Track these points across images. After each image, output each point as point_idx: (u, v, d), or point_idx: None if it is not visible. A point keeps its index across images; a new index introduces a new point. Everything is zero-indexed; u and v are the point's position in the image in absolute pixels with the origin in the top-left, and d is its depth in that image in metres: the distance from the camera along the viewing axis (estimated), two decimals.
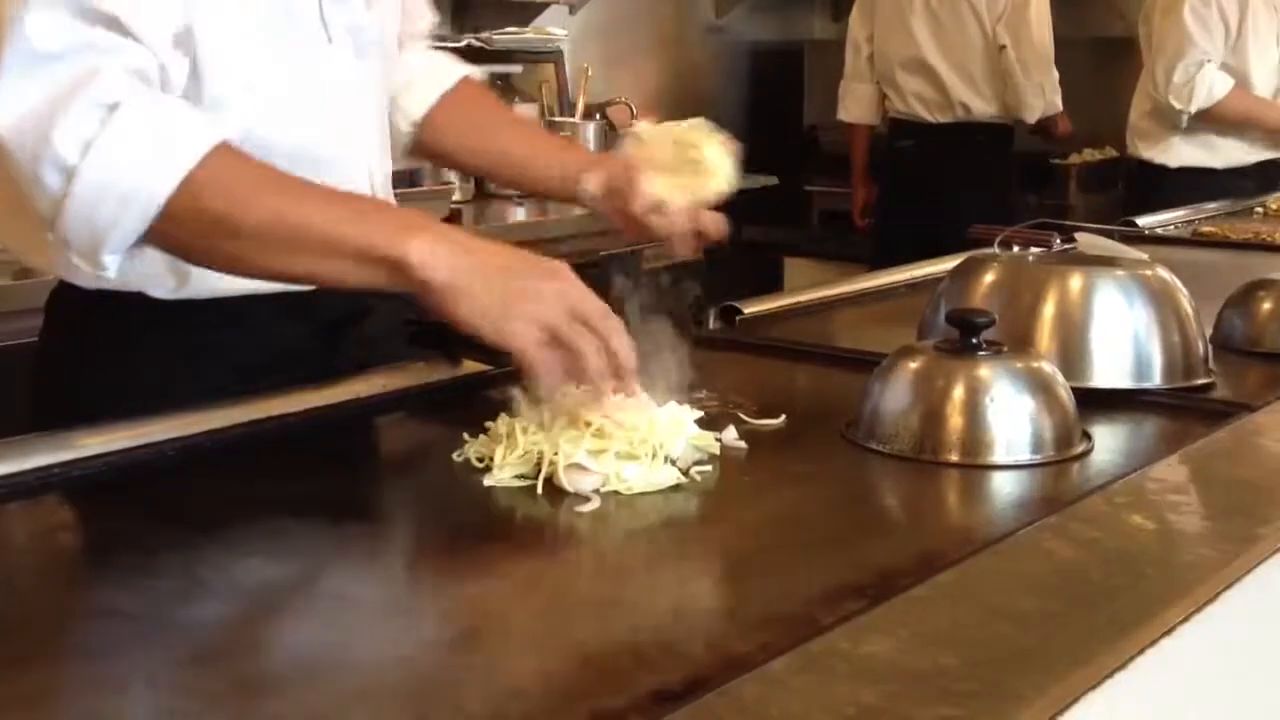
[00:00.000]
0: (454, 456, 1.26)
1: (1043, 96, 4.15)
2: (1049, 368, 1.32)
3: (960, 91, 4.19)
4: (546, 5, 4.24)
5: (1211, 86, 3.98)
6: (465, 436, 1.28)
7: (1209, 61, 3.98)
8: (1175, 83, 3.98)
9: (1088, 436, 1.33)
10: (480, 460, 1.24)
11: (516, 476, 1.20)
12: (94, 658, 0.90)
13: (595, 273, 1.31)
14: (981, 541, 1.06)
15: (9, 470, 1.18)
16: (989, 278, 1.59)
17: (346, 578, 1.07)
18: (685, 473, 1.22)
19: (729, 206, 1.65)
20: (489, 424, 1.28)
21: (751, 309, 1.88)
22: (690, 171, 1.66)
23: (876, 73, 4.37)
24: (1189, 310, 1.56)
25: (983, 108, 4.21)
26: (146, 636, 0.93)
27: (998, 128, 4.26)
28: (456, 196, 3.56)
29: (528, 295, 1.18)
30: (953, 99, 4.20)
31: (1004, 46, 4.12)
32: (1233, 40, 4.02)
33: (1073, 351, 1.49)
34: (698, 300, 1.62)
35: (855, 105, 4.44)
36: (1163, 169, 4.13)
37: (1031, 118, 4.20)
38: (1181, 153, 4.11)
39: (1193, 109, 4.00)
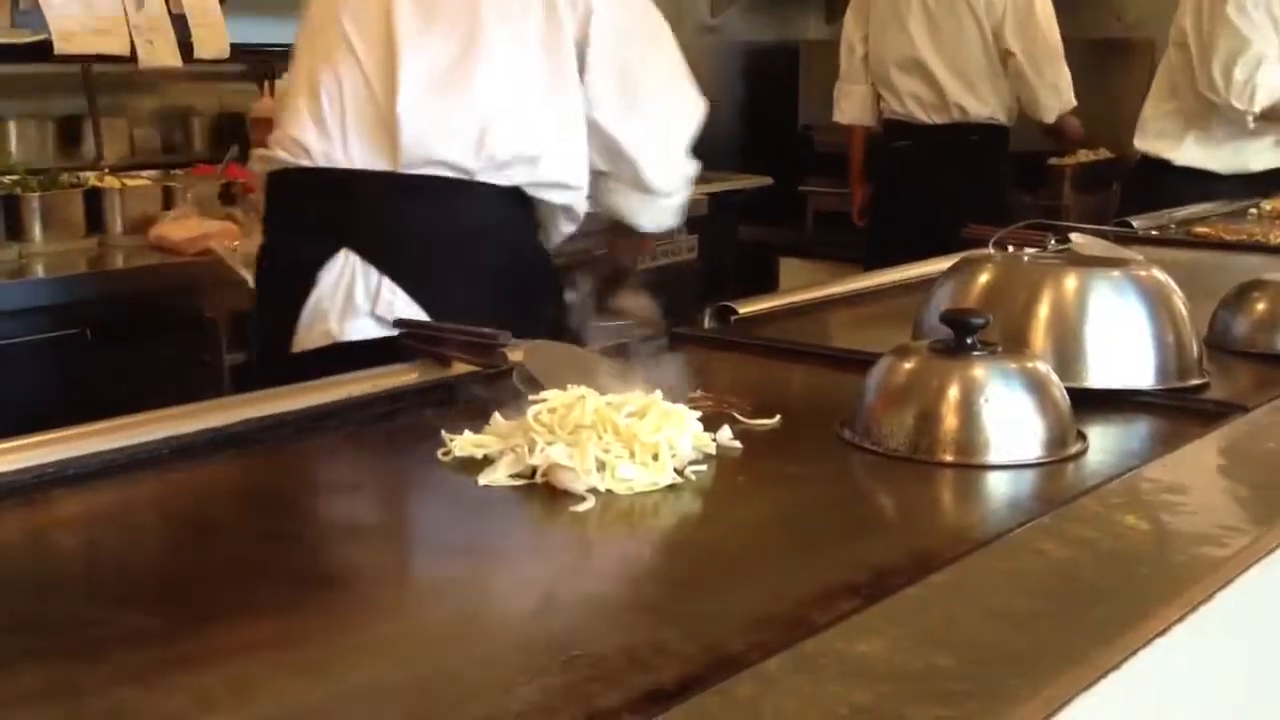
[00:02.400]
0: (440, 455, 1.27)
1: (1058, 95, 4.11)
2: (1043, 368, 1.33)
3: (956, 93, 4.18)
4: None
5: (1274, 84, 3.76)
6: (450, 436, 1.28)
7: (1266, 58, 3.76)
8: (1237, 81, 3.76)
9: (1082, 436, 1.33)
10: (471, 457, 1.24)
11: (512, 476, 1.20)
12: (94, 657, 0.90)
13: (589, 271, 1.32)
14: (976, 541, 1.06)
15: (7, 469, 1.18)
16: (984, 278, 1.59)
17: (340, 576, 1.07)
18: (680, 472, 1.22)
19: (726, 207, 1.66)
20: (469, 428, 1.28)
21: (747, 309, 1.88)
22: None
23: (872, 73, 4.36)
24: (1183, 311, 1.56)
25: (978, 109, 4.19)
26: (143, 635, 0.93)
27: (993, 128, 4.24)
28: None
29: None
30: (949, 100, 4.19)
31: (1013, 53, 4.09)
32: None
33: (1067, 352, 1.50)
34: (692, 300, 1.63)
35: (851, 106, 4.43)
36: (1168, 165, 3.91)
37: (1050, 117, 4.14)
38: (1191, 154, 3.91)
39: (1257, 109, 3.77)
